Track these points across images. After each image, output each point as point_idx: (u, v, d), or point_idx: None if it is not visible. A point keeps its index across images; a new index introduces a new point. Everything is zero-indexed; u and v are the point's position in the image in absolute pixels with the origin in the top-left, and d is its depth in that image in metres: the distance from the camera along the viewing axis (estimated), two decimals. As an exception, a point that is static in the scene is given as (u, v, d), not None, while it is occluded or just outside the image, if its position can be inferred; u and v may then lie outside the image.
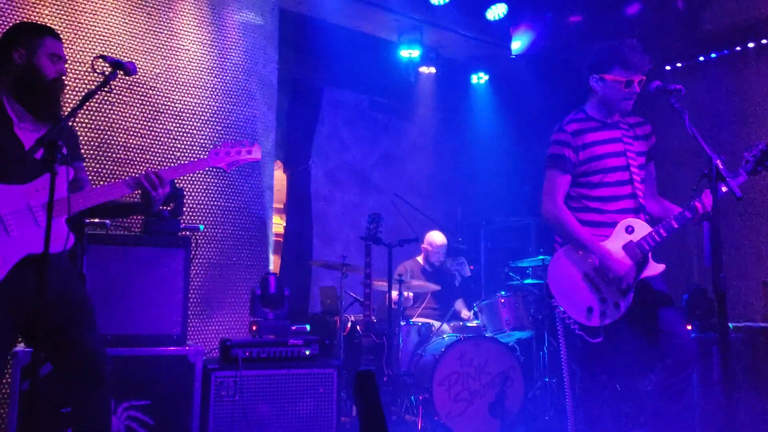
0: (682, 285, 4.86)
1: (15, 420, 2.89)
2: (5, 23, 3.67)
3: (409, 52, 6.02)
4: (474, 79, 6.80)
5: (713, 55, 5.45)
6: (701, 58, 5.51)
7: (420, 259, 5.81)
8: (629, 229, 2.85)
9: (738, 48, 5.30)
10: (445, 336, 4.76)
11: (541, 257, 5.04)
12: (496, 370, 4.43)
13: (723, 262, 2.39)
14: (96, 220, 3.39)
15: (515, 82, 6.38)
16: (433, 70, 6.33)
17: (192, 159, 4.32)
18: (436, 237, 5.74)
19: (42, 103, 2.46)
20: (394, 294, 4.74)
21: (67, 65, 3.78)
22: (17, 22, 3.66)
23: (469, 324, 5.12)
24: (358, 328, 4.82)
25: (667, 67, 5.71)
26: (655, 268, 2.86)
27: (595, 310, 2.81)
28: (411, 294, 5.34)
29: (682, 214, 2.80)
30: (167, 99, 4.27)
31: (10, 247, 2.30)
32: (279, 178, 5.99)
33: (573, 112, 3.06)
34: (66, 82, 3.77)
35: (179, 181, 4.17)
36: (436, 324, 5.04)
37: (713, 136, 5.24)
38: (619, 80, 2.88)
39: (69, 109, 2.47)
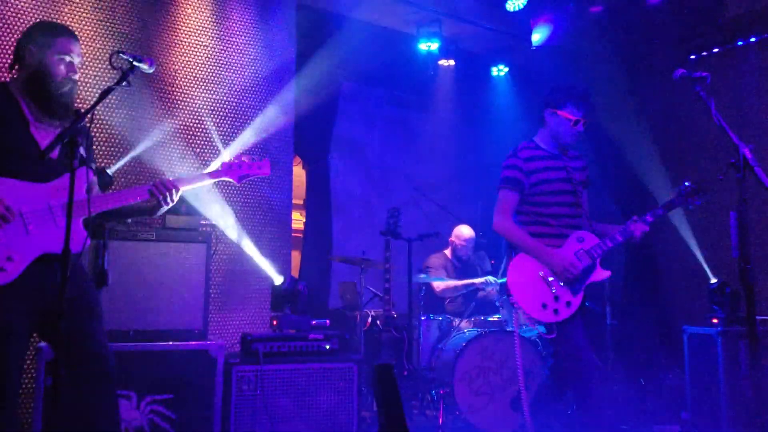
0: (710, 276, 4.79)
1: (40, 414, 2.93)
2: (27, 22, 3.71)
3: (428, 45, 5.98)
4: (494, 71, 6.73)
5: (739, 43, 5.33)
6: (727, 47, 5.40)
7: (447, 252, 5.77)
8: (580, 239, 3.22)
9: (765, 35, 5.18)
10: (465, 331, 4.73)
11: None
12: (516, 365, 4.38)
13: (750, 254, 2.33)
14: (117, 216, 3.42)
15: (535, 73, 6.31)
16: (452, 62, 6.28)
17: (211, 155, 4.34)
18: (464, 230, 5.70)
19: (52, 103, 2.45)
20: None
21: (86, 62, 3.85)
22: (38, 20, 3.70)
23: (490, 318, 5.08)
24: (378, 322, 4.82)
25: (692, 56, 5.60)
26: (601, 274, 3.23)
27: (548, 307, 3.12)
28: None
29: (625, 229, 3.18)
30: (186, 95, 4.29)
31: (28, 245, 2.33)
32: (298, 173, 5.99)
33: (525, 142, 3.39)
34: (85, 79, 3.83)
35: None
36: (457, 319, 5.01)
37: (739, 126, 5.13)
38: (569, 118, 3.25)
39: (87, 106, 2.48)
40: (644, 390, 5.17)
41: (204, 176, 2.86)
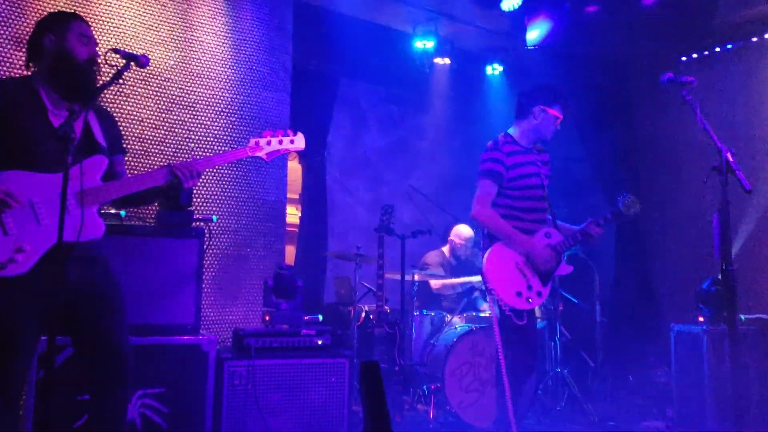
0: (698, 277, 4.84)
1: (32, 405, 2.95)
2: (22, 15, 3.73)
3: (423, 44, 6.01)
4: (489, 70, 6.76)
5: (729, 46, 5.37)
6: (717, 49, 5.44)
7: (446, 250, 5.80)
8: (548, 235, 3.46)
9: (755, 39, 5.23)
10: (457, 326, 4.78)
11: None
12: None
13: (736, 254, 2.38)
14: (112, 211, 3.45)
15: (530, 73, 6.34)
16: (447, 61, 6.31)
17: (207, 150, 4.36)
18: (463, 230, 5.74)
19: (78, 86, 2.46)
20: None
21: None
22: (34, 13, 3.73)
23: (482, 314, 5.12)
24: (371, 318, 4.86)
25: (683, 58, 5.64)
26: (565, 269, 3.49)
27: (522, 295, 3.34)
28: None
29: (584, 231, 3.45)
30: (182, 90, 4.31)
31: (41, 236, 2.32)
32: (294, 168, 6.01)
33: (502, 135, 3.58)
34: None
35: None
36: (449, 315, 5.05)
37: (728, 128, 5.19)
38: (556, 115, 3.52)
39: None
40: (632, 386, 5.23)
41: (228, 155, 2.77)
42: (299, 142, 2.74)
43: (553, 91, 3.57)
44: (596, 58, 6.19)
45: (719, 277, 4.25)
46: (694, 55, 5.57)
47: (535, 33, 6.01)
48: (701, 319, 4.03)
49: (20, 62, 3.60)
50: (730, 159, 2.41)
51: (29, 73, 2.54)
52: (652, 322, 5.68)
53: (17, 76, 2.69)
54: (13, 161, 2.34)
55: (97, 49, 2.57)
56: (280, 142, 2.70)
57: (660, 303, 5.87)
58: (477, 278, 5.26)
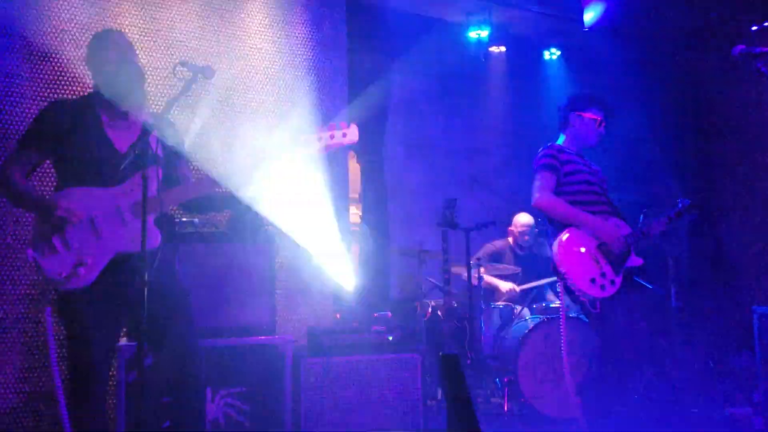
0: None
1: (123, 409, 3.10)
2: (91, 36, 3.89)
3: (478, 33, 5.97)
4: (546, 55, 6.65)
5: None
6: (792, 15, 5.16)
7: (510, 240, 5.74)
8: (617, 225, 3.39)
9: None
10: (527, 318, 4.72)
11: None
12: (582, 351, 4.35)
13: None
14: (184, 219, 3.56)
15: (589, 55, 6.21)
16: (503, 49, 6.25)
17: (269, 156, 4.44)
18: (522, 218, 5.63)
19: (121, 91, 2.59)
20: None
21: (148, 72, 4.00)
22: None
23: (552, 305, 5.05)
24: (438, 312, 4.86)
25: (754, 27, 5.38)
26: (635, 261, 3.39)
27: (596, 282, 3.27)
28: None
29: (659, 221, 3.39)
30: (243, 99, 4.40)
31: (101, 249, 2.44)
32: (353, 168, 6.07)
33: (551, 143, 3.57)
34: (148, 89, 3.97)
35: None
36: (518, 307, 5.00)
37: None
38: (594, 118, 3.52)
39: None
40: (714, 372, 5.05)
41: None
42: (352, 135, 2.72)
43: (586, 95, 3.60)
44: (658, 35, 5.99)
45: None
46: (767, 23, 5.29)
47: (591, 14, 5.88)
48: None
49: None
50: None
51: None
52: (731, 305, 5.48)
53: (78, 96, 2.89)
54: (74, 177, 2.48)
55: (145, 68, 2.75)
56: (331, 137, 2.72)
57: (738, 285, 5.65)
58: (545, 281, 5.15)
